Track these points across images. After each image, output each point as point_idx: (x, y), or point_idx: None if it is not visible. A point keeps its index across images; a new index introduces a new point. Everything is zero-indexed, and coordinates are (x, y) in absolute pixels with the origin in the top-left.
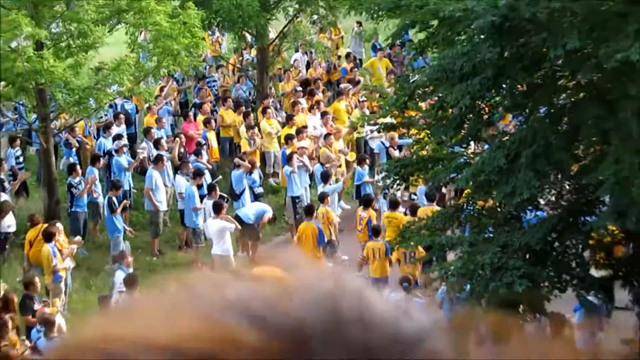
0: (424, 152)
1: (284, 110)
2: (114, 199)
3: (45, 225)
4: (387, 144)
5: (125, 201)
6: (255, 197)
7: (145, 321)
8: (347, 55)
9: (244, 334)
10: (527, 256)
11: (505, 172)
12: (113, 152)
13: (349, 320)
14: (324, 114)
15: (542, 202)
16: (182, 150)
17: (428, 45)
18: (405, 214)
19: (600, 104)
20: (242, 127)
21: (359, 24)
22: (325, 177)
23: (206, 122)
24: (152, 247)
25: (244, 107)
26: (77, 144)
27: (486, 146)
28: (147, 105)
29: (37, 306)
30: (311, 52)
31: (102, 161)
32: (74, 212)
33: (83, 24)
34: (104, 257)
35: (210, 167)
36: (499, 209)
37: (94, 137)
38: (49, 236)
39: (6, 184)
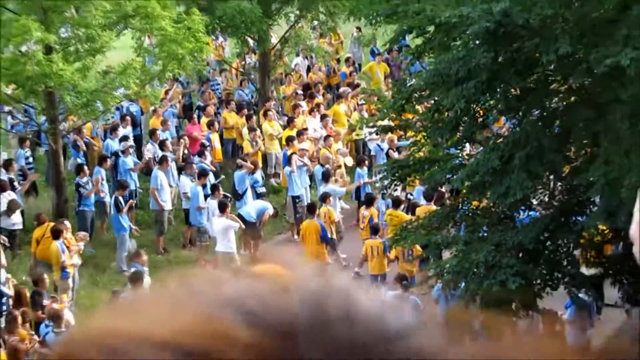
0: (421, 154)
1: (285, 113)
2: (121, 198)
3: (52, 223)
4: (383, 146)
5: (131, 201)
6: (258, 197)
7: (145, 317)
8: (347, 59)
9: (237, 330)
10: (520, 255)
11: (499, 173)
12: (119, 153)
13: (336, 318)
14: (323, 117)
15: (534, 202)
16: (185, 151)
17: (425, 50)
18: (406, 212)
19: (590, 107)
20: (244, 129)
21: (358, 29)
22: (326, 177)
23: (210, 124)
24: (157, 245)
25: (246, 110)
26: (84, 147)
27: (481, 148)
28: (152, 107)
29: (45, 302)
30: (312, 57)
31: (108, 162)
32: (82, 211)
33: (91, 29)
34: (111, 255)
35: (214, 168)
36: (493, 209)
37: (101, 139)
38: (57, 233)
39: (16, 184)
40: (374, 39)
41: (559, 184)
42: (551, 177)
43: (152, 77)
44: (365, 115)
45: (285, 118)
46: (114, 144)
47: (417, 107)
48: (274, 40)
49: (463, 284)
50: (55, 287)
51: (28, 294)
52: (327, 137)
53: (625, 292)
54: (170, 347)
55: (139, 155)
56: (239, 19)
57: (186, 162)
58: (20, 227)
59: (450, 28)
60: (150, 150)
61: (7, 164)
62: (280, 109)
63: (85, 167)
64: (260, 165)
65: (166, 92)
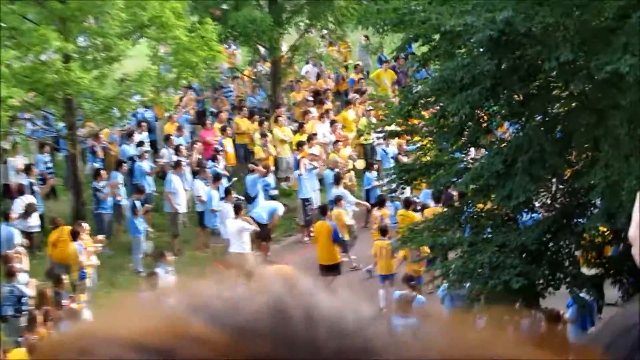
0: (427, 158)
1: (296, 119)
2: (137, 202)
3: (67, 227)
4: (388, 151)
5: (147, 206)
6: (271, 199)
7: (119, 320)
8: (355, 66)
9: (201, 330)
10: (523, 255)
11: (502, 176)
12: (135, 158)
13: (295, 318)
14: (332, 122)
15: (537, 204)
16: (199, 156)
17: (430, 58)
18: (419, 211)
19: (591, 112)
20: (256, 135)
21: (366, 37)
22: (338, 180)
23: (223, 130)
24: (172, 247)
25: (257, 116)
26: (102, 152)
27: (485, 152)
28: (167, 114)
29: (64, 302)
30: (321, 64)
31: (125, 166)
32: (99, 213)
33: (108, 38)
34: (127, 256)
35: (227, 173)
36: (496, 211)
37: (118, 144)
38: (75, 235)
39: (36, 188)
40: (381, 46)
41: (561, 187)
42: (553, 180)
43: (167, 85)
44: (373, 120)
45: (296, 123)
46: (130, 149)
47: (423, 112)
48: (285, 48)
49: (468, 284)
50: (74, 287)
51: (51, 294)
52: (336, 142)
53: (625, 292)
54: (136, 346)
55: (155, 160)
56: (250, 28)
57: (200, 166)
58: (38, 229)
59: (455, 36)
60: (165, 155)
61: (28, 169)
62: (290, 115)
63: (103, 172)
64: (273, 168)
65: (180, 99)
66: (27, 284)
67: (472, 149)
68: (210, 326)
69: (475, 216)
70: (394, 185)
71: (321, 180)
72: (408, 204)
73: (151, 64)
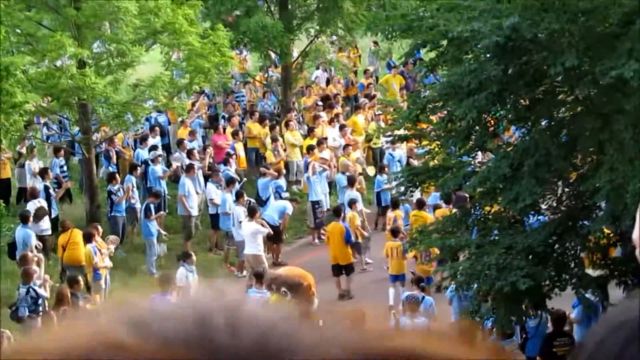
0: (435, 162)
1: (306, 123)
2: (152, 205)
3: (76, 229)
4: (395, 154)
5: (161, 213)
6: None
7: (52, 335)
8: (365, 71)
9: (129, 341)
10: (530, 257)
11: (509, 179)
12: (149, 162)
13: (218, 329)
14: (342, 127)
15: (543, 207)
16: (211, 160)
17: (438, 63)
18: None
19: (596, 117)
20: (267, 139)
21: (375, 43)
22: (352, 182)
23: (234, 134)
24: (185, 249)
25: (268, 121)
26: (116, 157)
27: (492, 156)
28: (180, 119)
29: (80, 303)
30: (331, 70)
31: (139, 170)
32: (114, 216)
33: (122, 44)
34: (141, 258)
35: (238, 178)
36: (503, 214)
37: (132, 148)
38: (89, 237)
39: (52, 191)
40: (390, 52)
41: (567, 189)
42: (559, 183)
43: (180, 90)
44: (382, 125)
45: (306, 128)
46: (144, 153)
47: (431, 117)
48: (295, 54)
49: (475, 285)
50: (88, 288)
51: (69, 295)
52: (345, 146)
53: (630, 292)
54: (64, 358)
55: (168, 164)
56: (261, 34)
57: (212, 170)
58: (49, 232)
59: (462, 42)
60: (178, 158)
61: (43, 172)
62: (301, 120)
63: (117, 175)
64: (284, 172)
65: (193, 104)
66: (41, 286)
67: (480, 153)
68: (137, 337)
69: (482, 219)
70: (402, 188)
71: (330, 184)
72: (421, 204)
73: (164, 70)
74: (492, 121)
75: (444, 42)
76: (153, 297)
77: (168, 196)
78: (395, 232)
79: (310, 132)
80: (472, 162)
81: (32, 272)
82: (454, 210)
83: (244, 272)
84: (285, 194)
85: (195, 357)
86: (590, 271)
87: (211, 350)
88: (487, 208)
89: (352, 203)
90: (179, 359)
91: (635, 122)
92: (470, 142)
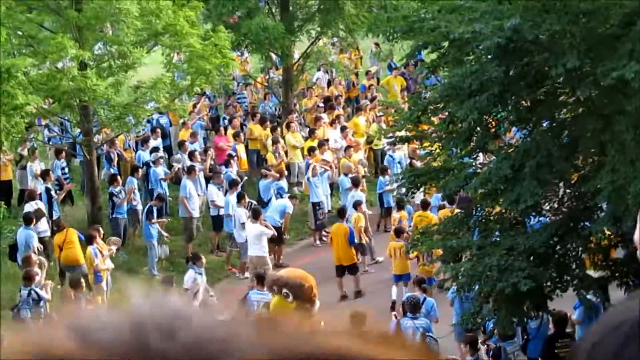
0: (436, 163)
1: (307, 125)
2: (155, 208)
3: (71, 229)
4: (395, 156)
5: (163, 220)
6: None
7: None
8: (367, 72)
9: (70, 348)
10: (531, 258)
11: (510, 181)
12: (150, 164)
13: (154, 334)
14: (343, 128)
15: (544, 208)
16: (211, 162)
17: (439, 65)
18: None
19: (597, 118)
20: (268, 141)
21: (377, 45)
22: (357, 183)
23: (236, 136)
24: (186, 251)
25: (269, 122)
26: (117, 158)
27: (493, 157)
28: (182, 120)
29: (83, 305)
30: (332, 71)
31: (140, 172)
32: (115, 218)
33: (123, 46)
34: (142, 260)
35: (239, 179)
36: (505, 215)
37: (133, 150)
38: (90, 239)
39: (53, 193)
40: (391, 54)
41: (568, 191)
42: (560, 184)
43: (181, 91)
44: (384, 126)
45: (307, 129)
46: (145, 155)
47: (433, 118)
48: (296, 55)
49: (477, 287)
50: (90, 289)
51: (73, 296)
52: (347, 148)
53: (631, 294)
54: None
55: (169, 166)
56: (263, 36)
57: (214, 171)
58: (48, 234)
59: (463, 43)
60: (180, 160)
61: (45, 174)
62: (302, 121)
63: (118, 177)
64: (286, 173)
65: (194, 106)
66: (43, 288)
67: (481, 154)
68: (78, 346)
69: (484, 220)
70: (404, 190)
71: (332, 185)
72: (426, 205)
73: (165, 71)
74: (493, 122)
75: (445, 44)
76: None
77: (169, 198)
78: (398, 232)
79: (311, 133)
80: (474, 164)
81: (34, 274)
82: (456, 211)
83: (246, 274)
84: (287, 195)
85: None
86: (591, 272)
87: (146, 355)
88: (489, 209)
89: (357, 204)
90: None
91: (637, 123)
92: (472, 144)
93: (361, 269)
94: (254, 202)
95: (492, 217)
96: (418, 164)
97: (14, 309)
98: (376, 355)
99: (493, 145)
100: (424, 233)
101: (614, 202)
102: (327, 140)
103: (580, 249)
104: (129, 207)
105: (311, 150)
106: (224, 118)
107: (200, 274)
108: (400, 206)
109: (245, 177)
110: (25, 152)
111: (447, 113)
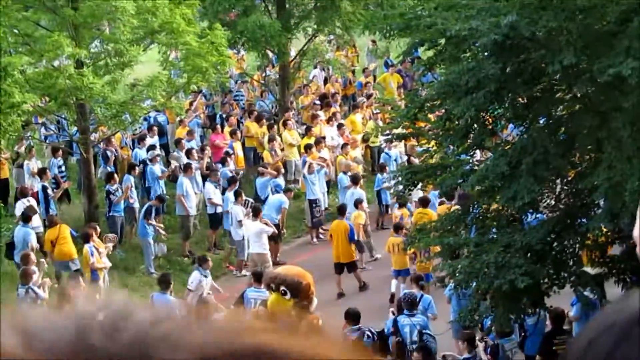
0: (433, 160)
1: (304, 122)
2: (153, 208)
3: (64, 225)
4: (391, 154)
5: (159, 225)
6: None
7: None
8: (364, 70)
9: (10, 347)
10: (528, 255)
11: (507, 178)
12: (147, 162)
13: (97, 332)
14: (340, 126)
15: (541, 205)
16: (208, 160)
17: (436, 62)
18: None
19: (594, 115)
20: (265, 138)
21: (373, 42)
22: (356, 180)
23: (232, 133)
24: (183, 249)
25: (265, 120)
26: (114, 157)
27: (490, 154)
28: (178, 118)
29: None
30: (328, 69)
31: (137, 170)
32: (112, 216)
33: (119, 44)
34: (139, 258)
35: (236, 176)
36: (502, 212)
37: (130, 148)
38: (86, 237)
39: (50, 191)
40: (387, 51)
41: (565, 188)
42: (557, 181)
43: (178, 89)
44: (380, 123)
45: (304, 127)
46: (142, 153)
47: (429, 115)
48: (293, 53)
49: (474, 284)
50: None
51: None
52: (344, 145)
53: (628, 290)
54: None
55: (167, 163)
56: (259, 34)
57: (210, 169)
58: (41, 230)
59: (460, 41)
60: (177, 158)
61: (41, 173)
62: (299, 119)
63: (115, 175)
64: (283, 171)
65: (191, 104)
66: (40, 286)
67: (478, 151)
68: (22, 346)
69: (481, 217)
70: (400, 187)
71: (329, 183)
72: (426, 202)
73: (162, 69)
74: (490, 119)
75: (442, 41)
76: (152, 297)
77: (166, 196)
78: (397, 228)
79: (308, 131)
80: (471, 161)
81: (31, 273)
82: (454, 207)
83: (243, 272)
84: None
85: None
86: (588, 269)
87: (89, 353)
88: (486, 206)
89: (358, 202)
90: None
91: (633, 119)
92: (469, 141)
93: (359, 267)
94: (251, 200)
95: (489, 214)
96: (416, 161)
97: None
98: (302, 350)
99: (490, 142)
100: (422, 230)
101: (611, 199)
102: (324, 137)
103: (577, 245)
104: (125, 205)
105: (308, 147)
106: (221, 116)
107: (205, 276)
108: (401, 204)
109: (241, 172)
110: (22, 151)
111: (443, 110)
